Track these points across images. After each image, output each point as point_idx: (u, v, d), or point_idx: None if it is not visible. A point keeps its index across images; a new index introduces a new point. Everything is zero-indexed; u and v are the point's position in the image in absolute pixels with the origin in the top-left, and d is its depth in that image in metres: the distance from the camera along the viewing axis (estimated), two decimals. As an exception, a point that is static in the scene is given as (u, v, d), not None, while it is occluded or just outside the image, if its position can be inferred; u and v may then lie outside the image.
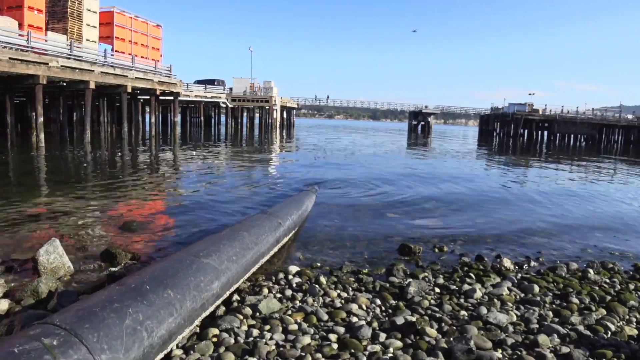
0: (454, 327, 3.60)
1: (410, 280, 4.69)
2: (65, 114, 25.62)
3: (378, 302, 4.18)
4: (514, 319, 3.88)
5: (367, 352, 3.19)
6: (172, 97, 30.99)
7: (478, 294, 4.42)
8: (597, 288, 4.92)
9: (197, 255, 3.69)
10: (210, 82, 46.07)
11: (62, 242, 6.35)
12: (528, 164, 23.41)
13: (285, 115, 57.93)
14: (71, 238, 6.50)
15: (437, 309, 4.01)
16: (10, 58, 17.95)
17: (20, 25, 20.44)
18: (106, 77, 23.28)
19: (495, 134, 60.37)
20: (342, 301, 4.18)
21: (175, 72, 30.19)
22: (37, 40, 19.78)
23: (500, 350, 3.29)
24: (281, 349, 3.21)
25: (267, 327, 3.55)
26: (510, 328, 3.67)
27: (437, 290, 4.60)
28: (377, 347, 3.27)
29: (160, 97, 30.54)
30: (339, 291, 4.44)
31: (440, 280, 4.91)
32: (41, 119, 19.91)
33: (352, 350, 3.20)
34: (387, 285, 4.70)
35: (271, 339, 3.35)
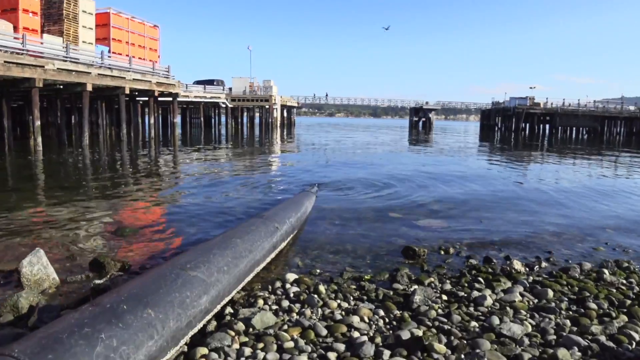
0: (465, 341, 3.30)
1: (416, 287, 4.39)
2: (64, 117, 25.38)
3: (381, 312, 3.88)
4: (529, 329, 3.58)
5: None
6: (171, 98, 30.72)
7: (488, 301, 4.11)
8: (614, 290, 4.62)
9: (184, 268, 3.40)
10: (210, 82, 45.80)
11: (50, 250, 6.10)
12: (531, 159, 23.07)
13: (285, 114, 57.68)
14: (60, 246, 6.23)
15: (445, 320, 3.71)
16: (5, 61, 17.70)
17: (15, 28, 20.21)
18: (103, 79, 23.03)
19: (496, 128, 60.04)
20: (343, 312, 3.88)
21: (173, 73, 29.95)
22: (33, 43, 19.54)
23: (516, 367, 3.00)
24: (275, 370, 2.92)
25: (261, 344, 3.26)
26: (526, 340, 3.37)
27: (445, 297, 4.29)
28: (381, 366, 2.97)
29: (159, 99, 30.28)
30: (339, 301, 4.15)
31: (448, 286, 4.61)
32: (38, 123, 19.68)
33: (354, 371, 2.91)
34: (391, 293, 4.40)
35: (264, 359, 3.06)
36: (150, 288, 2.97)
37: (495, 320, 3.66)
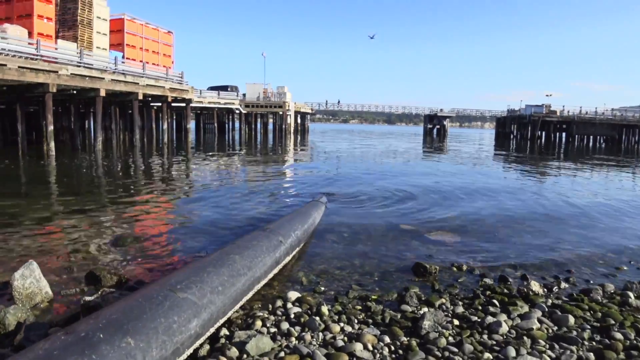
0: (477, 376, 3.00)
1: (425, 310, 4.10)
2: (77, 122, 25.54)
3: (387, 339, 3.59)
4: (549, 363, 3.27)
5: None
6: (184, 104, 30.77)
7: (504, 328, 3.80)
8: (640, 317, 4.27)
9: (173, 289, 3.16)
10: (224, 88, 45.92)
11: (48, 261, 5.93)
12: (548, 169, 22.53)
13: (299, 120, 57.59)
14: (59, 256, 6.05)
15: (455, 350, 3.40)
16: (19, 67, 17.81)
17: (30, 34, 20.37)
18: (117, 85, 23.10)
19: (512, 136, 59.23)
20: (345, 338, 3.60)
21: (187, 79, 30.03)
22: (47, 49, 19.66)
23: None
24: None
25: (254, 374, 3.01)
26: (545, 377, 3.06)
27: (456, 322, 3.99)
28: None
29: (173, 104, 30.35)
30: (342, 324, 3.87)
31: (460, 309, 4.30)
32: (51, 128, 19.77)
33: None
34: (399, 316, 4.10)
35: (256, 392, 2.80)
36: (132, 313, 2.73)
37: (511, 352, 3.35)
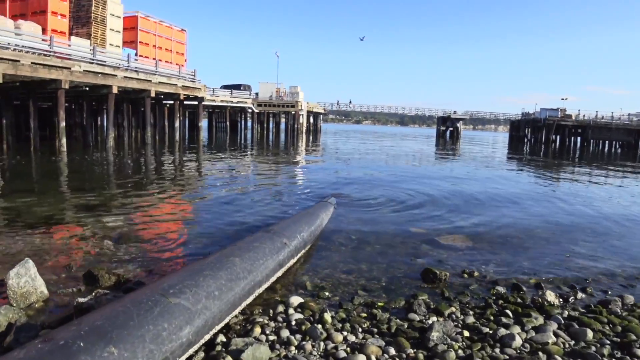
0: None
1: (434, 320, 3.89)
2: (90, 119, 25.63)
3: (392, 351, 3.38)
4: (566, 382, 3.04)
5: None
6: (196, 102, 30.76)
7: (517, 341, 3.57)
8: (664, 332, 4.00)
9: (165, 294, 2.98)
10: (237, 87, 45.96)
11: (48, 259, 5.80)
12: (563, 173, 22.08)
13: (311, 120, 57.44)
14: (58, 255, 5.92)
15: (465, 365, 3.19)
16: (32, 63, 17.87)
17: (44, 31, 20.43)
18: (129, 82, 23.12)
19: (526, 140, 58.46)
20: (348, 349, 3.40)
21: (200, 77, 30.04)
22: (60, 45, 19.71)
23: None
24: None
25: (248, 387, 2.82)
26: (562, 397, 2.83)
27: (466, 333, 3.77)
28: None
29: (185, 102, 30.35)
30: (345, 333, 3.67)
31: (470, 319, 4.08)
32: (63, 124, 19.82)
33: None
34: (405, 325, 3.89)
35: (249, 407, 2.61)
36: (118, 319, 2.56)
37: (526, 368, 3.13)
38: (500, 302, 4.61)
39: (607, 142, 51.97)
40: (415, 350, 3.44)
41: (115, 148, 22.47)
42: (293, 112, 46.66)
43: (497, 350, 3.47)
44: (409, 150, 35.37)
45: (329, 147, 33.97)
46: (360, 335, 3.68)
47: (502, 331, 3.72)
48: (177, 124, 29.25)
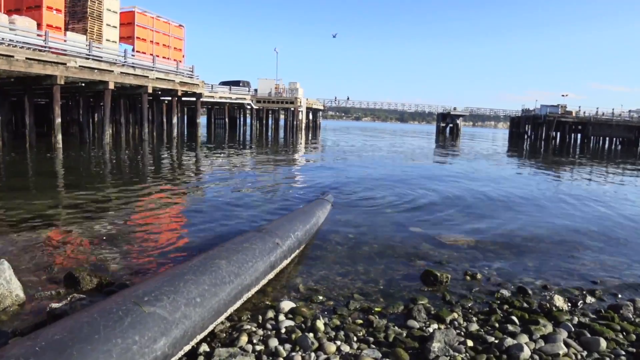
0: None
1: (435, 327, 3.61)
2: (86, 115, 25.31)
3: (389, 364, 3.11)
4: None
5: None
6: (194, 98, 30.45)
7: (525, 352, 3.29)
8: (681, 340, 3.73)
9: (139, 302, 2.71)
10: (235, 83, 45.64)
11: (30, 259, 5.52)
12: (562, 169, 21.78)
13: (311, 117, 57.10)
14: (40, 255, 5.64)
15: (470, 380, 2.91)
16: (27, 58, 17.58)
17: (39, 26, 20.13)
18: (126, 78, 22.81)
19: (526, 136, 58.12)
20: (341, 361, 3.13)
21: (199, 73, 29.73)
22: (55, 40, 19.41)
23: None
24: None
25: (230, 406, 2.55)
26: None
27: (470, 343, 3.49)
28: None
29: (184, 98, 30.05)
30: (339, 342, 3.40)
31: (474, 327, 3.80)
32: (58, 120, 19.55)
33: None
34: (404, 334, 3.61)
35: None
36: (82, 332, 2.28)
37: (536, 384, 2.85)
38: (506, 307, 4.34)
39: (607, 138, 51.64)
40: (414, 362, 3.17)
41: (112, 145, 22.19)
42: (292, 109, 46.31)
43: (504, 362, 3.20)
44: (408, 146, 35.05)
45: (329, 144, 33.66)
46: (355, 345, 3.40)
47: (509, 341, 3.43)
48: (174, 121, 28.92)
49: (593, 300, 4.76)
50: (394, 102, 79.31)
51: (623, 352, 3.45)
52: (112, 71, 21.79)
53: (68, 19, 22.42)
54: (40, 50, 18.45)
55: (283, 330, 3.56)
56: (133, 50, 25.65)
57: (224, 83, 43.95)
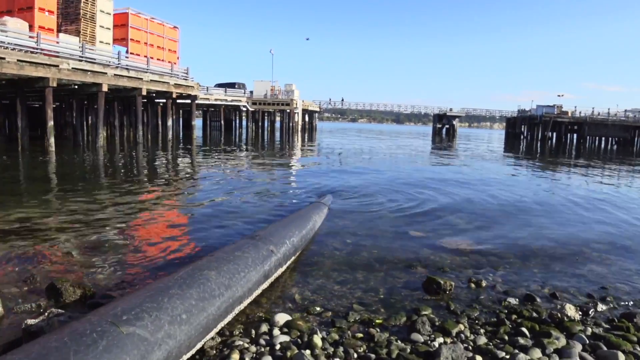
0: None
1: (440, 342, 3.37)
2: (79, 117, 25.01)
3: (393, 385, 2.86)
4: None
5: None
6: (189, 101, 30.18)
7: (539, 369, 3.05)
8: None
9: (116, 321, 2.45)
10: (231, 85, 45.40)
11: (13, 268, 5.25)
12: (560, 169, 21.60)
13: (307, 118, 56.88)
14: (23, 264, 5.37)
15: (481, 402, 2.67)
16: (18, 60, 17.28)
17: (31, 27, 19.86)
18: (120, 80, 22.54)
19: (522, 137, 58.12)
20: (341, 382, 2.87)
21: (194, 75, 29.52)
22: (47, 42, 19.13)
23: None
24: None
25: None
26: None
27: (479, 359, 3.24)
28: None
29: (179, 101, 29.77)
30: (338, 360, 3.15)
31: (482, 340, 3.56)
32: (51, 123, 19.27)
33: None
34: (408, 349, 3.36)
35: None
36: (49, 358, 2.02)
37: (554, 407, 2.61)
38: (514, 316, 4.10)
39: (603, 138, 51.67)
40: (420, 382, 2.92)
41: (106, 148, 21.89)
42: (288, 111, 46.07)
43: (517, 381, 2.95)
44: (405, 148, 34.85)
45: (325, 146, 33.41)
46: (356, 364, 3.15)
47: (522, 357, 3.18)
48: (169, 123, 28.64)
49: (604, 307, 4.53)
50: (390, 103, 79.19)
51: (643, 368, 3.22)
52: (106, 73, 21.53)
53: (61, 21, 22.14)
54: (32, 52, 18.18)
55: (277, 347, 3.31)
56: (127, 52, 25.37)
57: (219, 85, 43.73)
